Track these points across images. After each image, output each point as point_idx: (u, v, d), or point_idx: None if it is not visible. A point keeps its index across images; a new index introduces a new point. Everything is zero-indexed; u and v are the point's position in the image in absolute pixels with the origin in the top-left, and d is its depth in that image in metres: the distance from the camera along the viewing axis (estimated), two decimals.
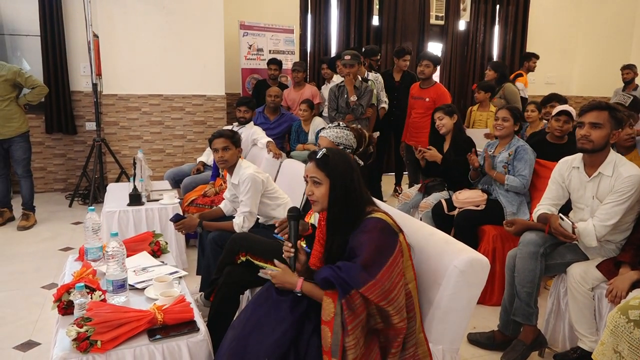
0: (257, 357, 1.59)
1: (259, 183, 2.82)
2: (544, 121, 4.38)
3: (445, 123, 3.56)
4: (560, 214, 2.40)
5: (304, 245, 1.87)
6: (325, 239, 1.78)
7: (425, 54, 4.70)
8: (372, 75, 5.06)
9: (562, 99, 4.09)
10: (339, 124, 2.43)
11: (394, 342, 1.61)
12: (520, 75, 6.00)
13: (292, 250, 1.78)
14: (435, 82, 4.74)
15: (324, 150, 1.79)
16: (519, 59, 7.38)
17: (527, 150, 3.16)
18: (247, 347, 1.64)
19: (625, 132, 2.83)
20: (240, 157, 2.95)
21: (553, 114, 3.44)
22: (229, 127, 3.64)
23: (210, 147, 2.94)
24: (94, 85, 4.94)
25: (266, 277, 1.79)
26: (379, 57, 5.55)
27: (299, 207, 2.55)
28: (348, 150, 2.39)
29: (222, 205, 3.13)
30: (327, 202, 1.74)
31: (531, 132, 4.43)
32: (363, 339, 1.56)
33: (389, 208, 2.21)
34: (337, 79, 5.33)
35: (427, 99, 4.55)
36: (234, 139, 2.89)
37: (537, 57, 6.15)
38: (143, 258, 2.32)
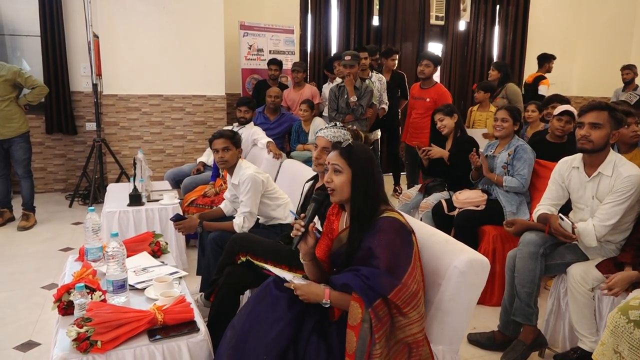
0: (257, 356, 1.59)
1: (259, 183, 2.82)
2: (545, 121, 4.37)
3: (446, 124, 3.56)
4: (560, 214, 2.40)
5: (316, 232, 1.85)
6: (350, 236, 1.74)
7: (426, 54, 4.69)
8: (375, 76, 5.06)
9: (564, 100, 4.08)
10: (335, 124, 2.44)
11: (416, 356, 1.61)
12: (543, 77, 6.00)
13: (302, 230, 1.75)
14: (436, 82, 4.72)
15: (349, 141, 1.79)
16: (521, 59, 7.42)
17: (526, 149, 3.17)
18: (247, 345, 1.64)
19: (632, 129, 2.83)
20: (240, 157, 2.96)
21: (555, 113, 3.44)
22: (229, 128, 3.64)
23: (211, 148, 2.94)
24: (94, 86, 4.95)
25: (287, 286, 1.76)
26: (377, 56, 5.56)
27: (296, 208, 2.55)
28: None
29: (222, 206, 3.13)
30: (348, 192, 1.72)
31: (532, 132, 4.42)
32: (387, 350, 1.55)
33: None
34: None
35: (428, 99, 4.54)
36: (234, 140, 2.89)
37: (554, 57, 6.20)
38: (143, 258, 2.32)
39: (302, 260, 1.81)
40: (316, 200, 1.82)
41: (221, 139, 2.85)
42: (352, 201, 1.73)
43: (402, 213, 1.82)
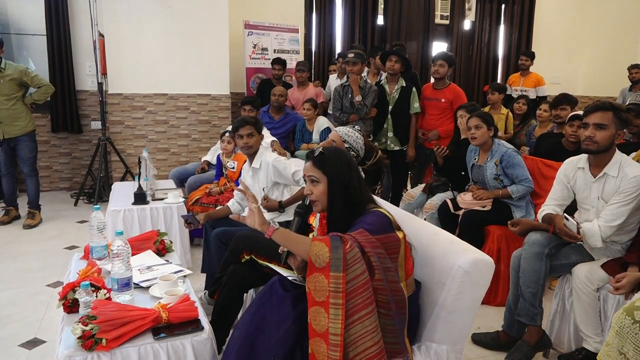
0: (265, 356, 1.60)
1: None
2: (554, 122, 4.35)
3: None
4: (565, 214, 2.39)
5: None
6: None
7: (440, 54, 4.52)
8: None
9: (572, 100, 4.05)
10: (354, 126, 2.49)
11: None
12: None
13: None
14: (450, 82, 4.58)
15: (320, 148, 1.79)
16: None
17: (512, 155, 3.09)
18: (254, 345, 1.64)
19: None
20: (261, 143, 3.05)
21: (567, 120, 3.42)
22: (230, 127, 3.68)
23: (234, 134, 3.01)
24: (100, 85, 4.97)
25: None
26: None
27: (304, 203, 2.56)
28: (352, 153, 2.40)
29: (229, 204, 3.13)
30: (327, 200, 1.74)
31: (540, 132, 4.41)
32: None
33: (392, 207, 2.21)
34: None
35: (443, 100, 4.43)
36: (258, 126, 2.97)
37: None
38: (148, 257, 2.32)
39: (297, 274, 1.81)
40: (299, 213, 1.86)
41: (246, 126, 2.93)
42: (330, 208, 1.74)
43: (393, 213, 1.81)
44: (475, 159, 3.29)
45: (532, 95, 5.83)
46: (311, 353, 1.53)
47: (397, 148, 4.45)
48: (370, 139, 3.82)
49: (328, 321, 1.48)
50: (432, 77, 4.57)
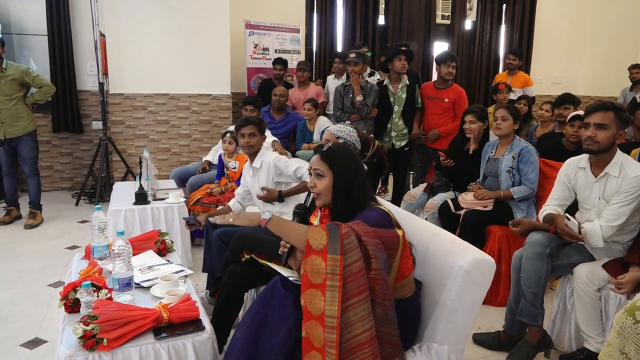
0: (267, 355, 1.60)
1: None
2: (555, 122, 4.34)
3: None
4: (567, 214, 2.39)
5: None
6: None
7: (451, 55, 4.49)
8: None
9: (575, 100, 4.04)
10: (345, 122, 2.47)
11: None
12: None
13: (288, 246, 1.77)
14: (453, 82, 4.53)
15: (330, 143, 1.80)
16: (527, 59, 7.36)
17: (531, 151, 3.11)
18: (256, 345, 1.64)
19: None
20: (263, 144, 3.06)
21: (567, 119, 3.41)
22: (232, 127, 3.68)
23: (237, 132, 3.01)
24: (101, 85, 4.97)
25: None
26: (382, 58, 5.53)
27: (304, 204, 2.56)
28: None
29: (230, 204, 3.13)
30: (331, 195, 1.75)
31: (542, 132, 4.40)
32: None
33: (393, 207, 2.21)
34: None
35: (446, 100, 4.43)
36: (261, 126, 2.99)
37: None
38: (149, 257, 2.33)
39: (297, 275, 1.81)
40: (298, 214, 1.87)
41: (249, 125, 2.94)
42: (334, 204, 1.75)
43: (394, 212, 1.81)
44: (492, 152, 3.29)
45: (518, 95, 5.69)
46: (305, 337, 1.51)
47: (404, 142, 4.49)
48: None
49: (324, 304, 1.46)
50: (442, 78, 4.49)
